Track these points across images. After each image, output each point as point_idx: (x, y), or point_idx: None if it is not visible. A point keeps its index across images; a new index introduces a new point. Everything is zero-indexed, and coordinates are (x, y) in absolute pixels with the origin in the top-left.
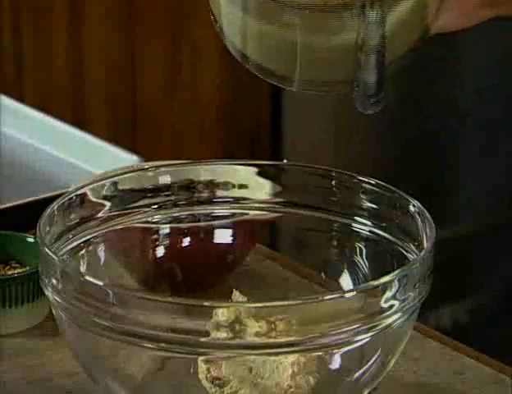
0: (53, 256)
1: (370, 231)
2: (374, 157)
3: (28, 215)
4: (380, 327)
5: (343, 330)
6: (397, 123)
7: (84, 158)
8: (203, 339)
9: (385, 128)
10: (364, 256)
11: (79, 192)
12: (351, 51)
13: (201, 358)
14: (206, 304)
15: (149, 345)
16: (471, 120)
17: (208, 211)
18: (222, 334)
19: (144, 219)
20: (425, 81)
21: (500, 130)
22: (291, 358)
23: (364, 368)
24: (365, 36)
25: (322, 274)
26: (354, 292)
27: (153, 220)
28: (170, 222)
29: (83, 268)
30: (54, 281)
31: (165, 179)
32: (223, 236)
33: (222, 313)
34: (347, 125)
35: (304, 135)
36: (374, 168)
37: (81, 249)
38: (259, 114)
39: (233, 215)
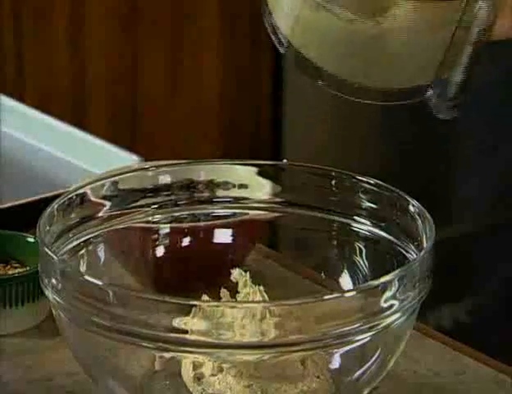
0: (53, 256)
1: (370, 231)
2: (374, 156)
3: (28, 215)
4: (380, 326)
5: (343, 330)
6: (397, 123)
7: (84, 157)
8: (203, 339)
9: (384, 128)
10: (364, 256)
11: (79, 192)
12: (434, 49)
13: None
14: (206, 304)
15: (149, 345)
16: (471, 120)
17: (208, 211)
18: (221, 334)
19: (144, 219)
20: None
21: (499, 130)
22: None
23: (364, 367)
24: (467, 28)
25: (322, 274)
26: (354, 292)
27: (153, 220)
28: (170, 222)
29: (83, 268)
30: (54, 280)
31: (165, 179)
32: (223, 236)
33: (223, 314)
34: (347, 125)
35: (304, 135)
36: (374, 168)
37: (81, 249)
38: (259, 114)
39: (233, 215)
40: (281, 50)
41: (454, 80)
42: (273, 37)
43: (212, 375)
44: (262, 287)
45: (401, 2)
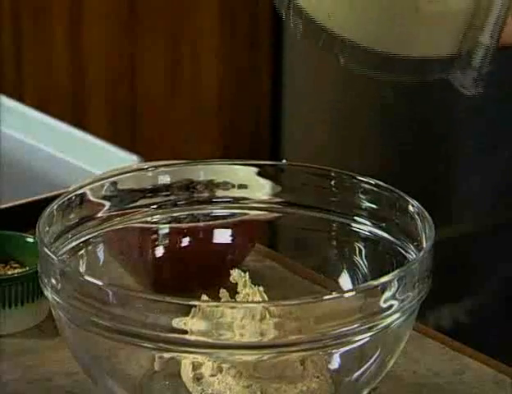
0: (53, 256)
1: (369, 231)
2: (374, 157)
3: (27, 215)
4: (379, 326)
5: (342, 330)
6: (396, 123)
7: (83, 157)
8: (202, 339)
9: (384, 128)
10: (364, 256)
11: (78, 192)
12: (457, 17)
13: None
14: (205, 304)
15: (148, 345)
16: (470, 120)
17: (207, 211)
18: (220, 334)
19: (144, 219)
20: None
21: (499, 130)
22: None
23: (364, 367)
24: None
25: (322, 274)
26: (354, 292)
27: (153, 220)
28: (169, 222)
29: (82, 268)
30: (53, 281)
31: (164, 179)
32: (223, 236)
33: (222, 315)
34: (347, 125)
35: (303, 136)
36: (374, 168)
37: (81, 249)
38: (259, 114)
39: (232, 215)
40: (290, 20)
41: (482, 43)
42: (281, 9)
43: (212, 375)
44: (261, 288)
45: None
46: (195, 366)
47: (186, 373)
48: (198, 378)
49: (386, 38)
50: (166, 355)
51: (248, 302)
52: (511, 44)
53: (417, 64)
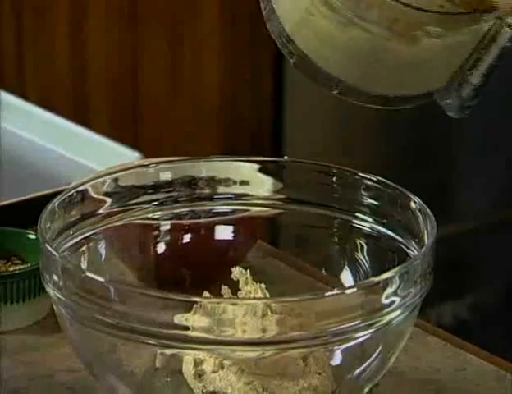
0: (54, 252)
1: (371, 228)
2: (375, 154)
3: (29, 211)
4: (381, 323)
5: (344, 326)
6: (398, 121)
7: (85, 154)
8: (204, 335)
9: (386, 126)
10: (365, 252)
11: (80, 188)
12: (464, 53)
13: (193, 372)
14: (207, 300)
15: (150, 342)
16: (472, 118)
17: (208, 207)
18: (222, 331)
19: (145, 216)
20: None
21: (500, 128)
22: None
23: (365, 364)
24: (499, 31)
25: (323, 270)
26: (355, 289)
27: (154, 216)
28: (171, 219)
29: (84, 265)
30: (55, 277)
31: (166, 175)
32: (224, 233)
33: (224, 311)
34: (348, 122)
35: (305, 132)
36: (375, 165)
37: (82, 246)
38: (260, 111)
39: (234, 212)
40: (291, 59)
41: (474, 82)
42: (281, 46)
43: (213, 372)
44: (263, 285)
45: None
46: (197, 362)
47: (188, 370)
48: (199, 375)
49: (379, 84)
50: (168, 352)
51: (249, 299)
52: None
53: (409, 98)
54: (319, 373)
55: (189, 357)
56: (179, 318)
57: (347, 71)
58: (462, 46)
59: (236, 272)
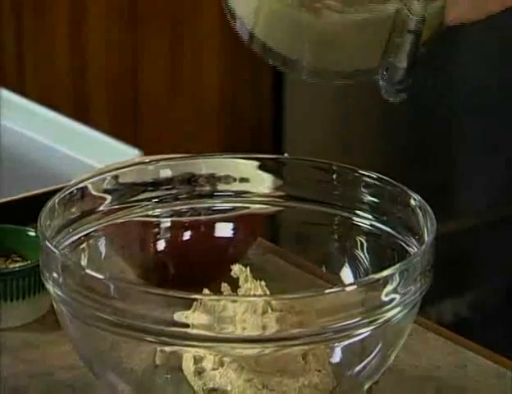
0: (54, 250)
1: (371, 225)
2: (375, 153)
3: (29, 209)
4: (381, 320)
5: (343, 324)
6: (399, 119)
7: (85, 151)
8: (204, 333)
9: (386, 126)
10: (365, 250)
11: (79, 186)
12: (377, 33)
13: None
14: (207, 298)
15: (150, 339)
16: (472, 116)
17: (208, 205)
18: (222, 328)
19: (145, 213)
20: (426, 77)
21: (500, 126)
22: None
23: (365, 361)
24: (406, 16)
25: (323, 268)
26: (355, 286)
27: (154, 214)
28: (171, 216)
29: (84, 262)
30: (55, 274)
31: (166, 173)
32: (224, 230)
33: (224, 308)
34: (348, 119)
35: (305, 129)
36: (375, 165)
37: (82, 243)
38: (261, 108)
39: (234, 209)
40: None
41: (399, 66)
42: (248, 43)
43: (213, 369)
44: (263, 282)
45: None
46: (197, 360)
47: (187, 367)
48: (199, 372)
49: (322, 61)
50: (168, 349)
51: (249, 296)
52: (464, 22)
53: (347, 73)
54: (319, 371)
55: (188, 355)
56: (179, 316)
57: (293, 49)
58: (371, 25)
59: (236, 269)
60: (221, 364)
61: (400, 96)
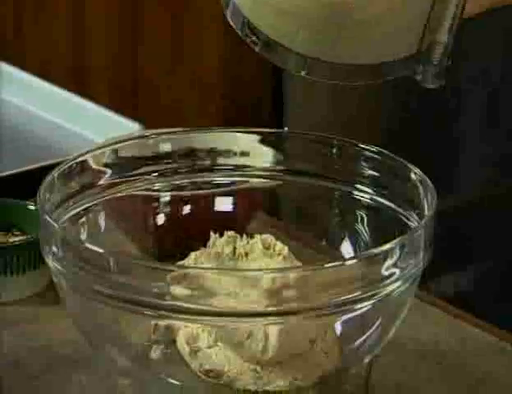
0: (54, 224)
1: (371, 199)
2: (375, 126)
3: (28, 183)
4: (381, 295)
5: (344, 298)
6: (398, 94)
7: (85, 125)
8: (202, 307)
9: (386, 99)
10: (365, 224)
11: (79, 159)
12: (415, 16)
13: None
14: (207, 272)
15: (149, 313)
16: (472, 91)
17: (208, 179)
18: (220, 302)
19: (145, 187)
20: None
21: (500, 100)
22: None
23: (365, 335)
24: None
25: (323, 242)
26: (355, 260)
27: (154, 188)
28: (171, 190)
29: (83, 236)
30: (55, 248)
31: (166, 146)
32: (224, 204)
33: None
34: (349, 96)
35: (305, 109)
36: (375, 137)
37: (82, 217)
38: (261, 82)
39: (234, 183)
40: (256, 47)
41: (440, 41)
42: (244, 36)
43: (209, 347)
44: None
45: None
46: (191, 339)
47: (183, 348)
48: (195, 351)
49: (343, 51)
50: (164, 323)
51: (247, 270)
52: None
53: (375, 67)
54: (326, 353)
55: (182, 334)
56: (178, 290)
57: (306, 42)
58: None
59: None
60: (216, 341)
61: (438, 80)
